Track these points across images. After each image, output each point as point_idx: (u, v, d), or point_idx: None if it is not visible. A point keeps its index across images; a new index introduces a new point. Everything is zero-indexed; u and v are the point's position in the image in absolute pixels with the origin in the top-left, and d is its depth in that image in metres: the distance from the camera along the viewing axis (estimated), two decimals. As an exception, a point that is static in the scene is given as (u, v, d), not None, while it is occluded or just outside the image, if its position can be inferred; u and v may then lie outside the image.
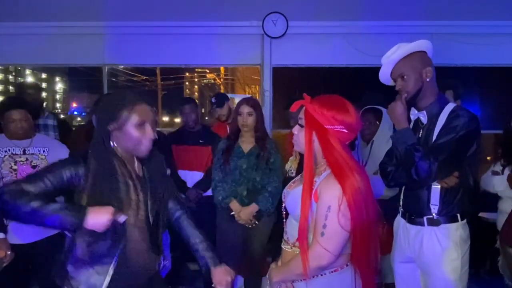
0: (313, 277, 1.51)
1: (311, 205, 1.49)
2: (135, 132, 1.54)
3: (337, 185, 1.44)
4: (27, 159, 2.58)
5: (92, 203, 1.48)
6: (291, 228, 1.58)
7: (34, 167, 2.58)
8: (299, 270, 1.48)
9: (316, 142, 1.53)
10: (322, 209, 1.44)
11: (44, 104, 3.96)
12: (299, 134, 1.59)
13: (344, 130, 1.49)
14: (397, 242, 2.12)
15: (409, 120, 2.05)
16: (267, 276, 1.67)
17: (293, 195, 1.59)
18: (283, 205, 1.66)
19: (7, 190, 1.43)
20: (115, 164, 1.57)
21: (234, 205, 2.81)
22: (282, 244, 1.66)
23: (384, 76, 2.08)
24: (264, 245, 2.96)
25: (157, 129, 4.16)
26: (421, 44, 1.99)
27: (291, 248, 1.59)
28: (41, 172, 1.54)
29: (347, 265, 1.53)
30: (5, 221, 2.39)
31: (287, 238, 1.63)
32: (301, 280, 1.53)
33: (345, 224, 1.42)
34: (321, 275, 1.50)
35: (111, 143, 1.58)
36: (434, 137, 1.93)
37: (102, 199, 1.49)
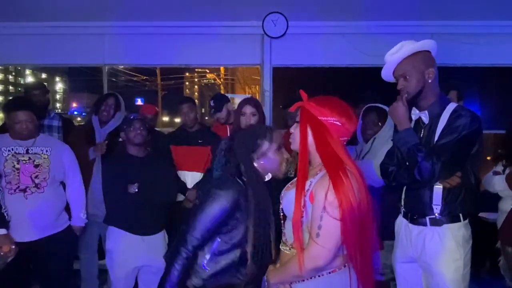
0: (311, 278, 1.51)
1: (305, 205, 1.49)
2: (276, 155, 1.77)
3: (327, 181, 1.44)
4: (29, 158, 2.59)
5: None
6: (289, 230, 1.58)
7: (36, 166, 2.59)
8: (296, 272, 1.49)
9: (310, 137, 1.54)
10: (318, 210, 1.44)
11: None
12: (295, 131, 1.60)
13: (337, 123, 1.51)
14: (399, 242, 2.11)
15: (410, 119, 2.05)
16: (265, 277, 1.66)
17: (288, 196, 1.59)
18: (281, 207, 1.66)
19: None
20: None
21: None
22: (280, 245, 1.66)
23: (386, 74, 2.08)
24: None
25: (157, 129, 4.19)
26: (426, 44, 1.98)
27: (290, 249, 1.59)
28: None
29: (344, 266, 1.52)
30: (6, 217, 2.40)
31: (285, 239, 1.63)
32: (298, 282, 1.53)
33: (333, 212, 1.41)
34: (319, 276, 1.50)
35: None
36: (436, 137, 1.92)
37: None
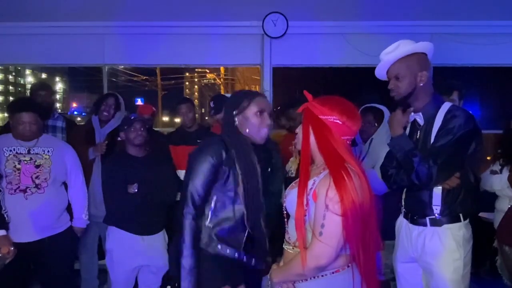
0: (314, 277, 1.51)
1: (308, 204, 1.49)
2: (255, 118, 1.78)
3: (329, 179, 1.45)
4: (31, 159, 2.59)
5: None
6: (292, 229, 1.58)
7: (37, 166, 2.59)
8: (299, 270, 1.49)
9: (312, 136, 1.55)
10: (320, 209, 1.45)
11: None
12: (299, 131, 1.62)
13: (338, 121, 1.51)
14: (400, 242, 2.12)
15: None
16: (268, 276, 1.67)
17: (292, 195, 1.60)
18: (284, 205, 1.66)
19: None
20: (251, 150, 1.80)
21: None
22: (284, 244, 1.66)
23: (380, 72, 2.09)
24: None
25: (157, 129, 4.19)
26: (422, 46, 1.98)
27: (293, 248, 1.59)
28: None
29: (348, 266, 1.52)
30: (6, 218, 2.40)
31: (289, 238, 1.62)
32: (302, 281, 1.53)
33: (333, 208, 1.42)
34: (322, 275, 1.50)
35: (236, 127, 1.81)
36: (432, 139, 1.92)
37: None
